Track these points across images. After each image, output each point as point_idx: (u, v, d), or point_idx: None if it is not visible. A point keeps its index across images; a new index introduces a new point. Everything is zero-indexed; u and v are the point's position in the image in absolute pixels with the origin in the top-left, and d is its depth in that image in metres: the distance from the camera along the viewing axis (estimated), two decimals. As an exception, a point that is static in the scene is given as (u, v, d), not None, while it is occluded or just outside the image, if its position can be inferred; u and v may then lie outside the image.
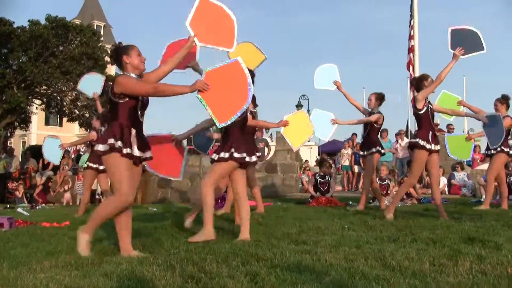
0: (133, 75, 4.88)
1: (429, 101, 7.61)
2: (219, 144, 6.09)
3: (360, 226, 6.36)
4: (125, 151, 4.72)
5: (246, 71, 5.32)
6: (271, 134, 17.37)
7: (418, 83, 7.69)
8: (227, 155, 5.66)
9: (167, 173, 6.34)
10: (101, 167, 9.44)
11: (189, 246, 5.03)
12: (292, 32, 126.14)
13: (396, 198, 7.86)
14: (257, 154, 6.12)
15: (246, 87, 5.31)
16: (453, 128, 16.49)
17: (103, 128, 9.78)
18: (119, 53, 4.93)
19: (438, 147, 7.57)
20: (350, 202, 10.78)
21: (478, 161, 17.32)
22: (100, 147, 4.75)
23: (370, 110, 9.40)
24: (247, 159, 5.71)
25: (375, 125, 9.20)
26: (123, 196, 4.72)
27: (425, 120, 7.56)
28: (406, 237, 5.30)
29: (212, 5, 5.83)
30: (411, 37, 18.86)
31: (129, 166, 4.81)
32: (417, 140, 7.45)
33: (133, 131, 4.82)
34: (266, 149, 19.41)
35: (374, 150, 9.19)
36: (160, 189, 15.43)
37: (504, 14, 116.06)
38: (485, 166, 15.66)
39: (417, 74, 17.94)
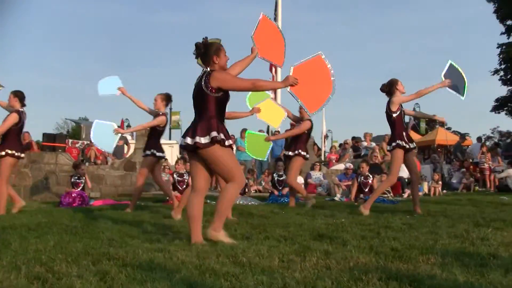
0: None
1: (401, 104, 8.12)
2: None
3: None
4: (227, 143, 4.95)
5: (329, 64, 6.24)
6: (132, 133, 16.87)
7: (390, 88, 8.11)
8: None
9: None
10: None
11: (38, 246, 4.82)
12: (152, 31, 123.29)
13: (374, 195, 8.20)
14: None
15: (329, 78, 6.21)
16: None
17: None
18: (210, 51, 5.08)
19: (413, 145, 8.15)
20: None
21: (334, 161, 18.16)
22: (202, 140, 4.86)
23: (156, 111, 9.14)
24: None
25: (157, 128, 9.01)
26: (241, 181, 5.05)
27: (398, 122, 8.06)
28: (259, 234, 5.46)
29: (270, 23, 6.82)
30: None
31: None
32: (397, 141, 7.91)
33: (224, 125, 5.08)
34: (125, 146, 18.98)
35: (148, 152, 8.94)
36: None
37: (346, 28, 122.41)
38: (340, 166, 16.49)
39: (279, 76, 18.36)
